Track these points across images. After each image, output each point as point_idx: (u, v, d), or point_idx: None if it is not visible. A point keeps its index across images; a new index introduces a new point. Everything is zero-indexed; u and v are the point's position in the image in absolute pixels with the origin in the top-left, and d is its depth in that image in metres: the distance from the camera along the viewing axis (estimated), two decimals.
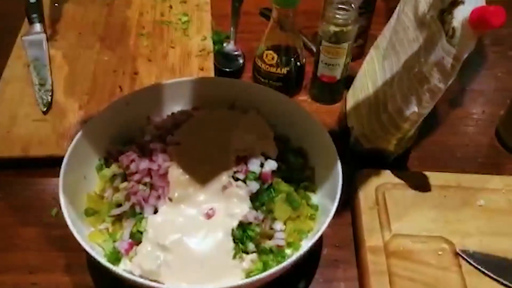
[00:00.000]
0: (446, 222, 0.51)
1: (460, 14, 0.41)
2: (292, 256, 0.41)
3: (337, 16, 0.57)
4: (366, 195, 0.53)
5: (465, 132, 0.64)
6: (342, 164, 0.48)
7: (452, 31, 0.42)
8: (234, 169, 0.45)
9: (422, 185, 0.54)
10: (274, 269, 0.39)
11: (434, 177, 0.54)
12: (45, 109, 0.60)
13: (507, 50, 0.75)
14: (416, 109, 0.48)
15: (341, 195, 0.46)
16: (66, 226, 0.43)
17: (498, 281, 0.46)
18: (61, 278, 0.48)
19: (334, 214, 0.44)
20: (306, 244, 0.42)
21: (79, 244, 0.41)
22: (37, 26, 0.70)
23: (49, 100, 0.61)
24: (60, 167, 0.46)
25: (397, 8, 0.52)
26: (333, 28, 0.58)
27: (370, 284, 0.46)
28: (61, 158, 0.48)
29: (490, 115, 0.66)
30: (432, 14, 0.45)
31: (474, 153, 0.61)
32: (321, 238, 0.44)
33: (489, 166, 0.59)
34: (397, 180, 0.54)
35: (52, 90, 0.63)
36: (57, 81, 0.64)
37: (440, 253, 0.48)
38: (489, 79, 0.71)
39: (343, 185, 0.46)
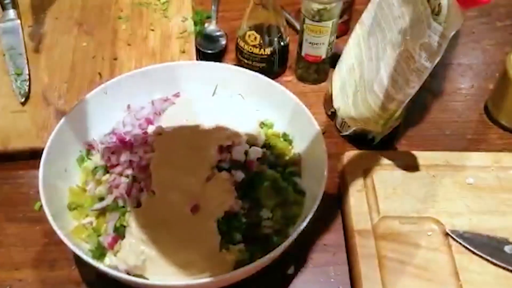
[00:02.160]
0: (435, 202, 0.50)
1: None
2: (280, 245, 0.40)
3: None
4: (353, 178, 0.52)
5: (454, 108, 0.63)
6: (329, 146, 0.47)
7: (438, 8, 0.41)
8: (218, 158, 0.44)
9: (410, 165, 0.53)
10: (261, 260, 0.39)
11: (422, 157, 0.53)
12: (23, 99, 0.58)
13: (495, 21, 0.74)
14: (402, 89, 0.47)
15: (327, 179, 0.45)
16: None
17: (488, 260, 0.46)
18: (48, 274, 0.48)
19: (322, 199, 0.44)
20: (293, 231, 0.41)
21: None
22: (11, 13, 0.68)
23: (27, 90, 0.59)
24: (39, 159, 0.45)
25: None
26: (316, 6, 0.56)
27: (359, 268, 0.45)
28: (42, 150, 0.47)
29: (479, 89, 0.65)
30: None
31: (463, 129, 0.60)
32: (309, 223, 0.43)
33: (479, 142, 0.59)
34: (385, 161, 0.53)
35: (29, 80, 0.61)
36: (34, 70, 0.62)
37: (429, 233, 0.48)
38: (477, 52, 0.70)
39: (330, 168, 0.45)
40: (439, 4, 0.41)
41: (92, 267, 0.40)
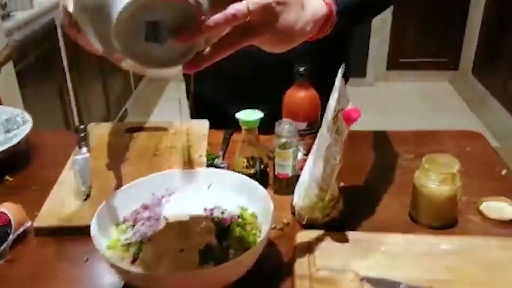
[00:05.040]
0: (357, 261, 0.71)
1: (341, 115, 0.69)
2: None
3: (283, 130, 0.85)
4: (301, 245, 0.74)
5: (384, 207, 0.86)
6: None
7: (339, 126, 0.69)
8: (205, 214, 0.69)
9: (343, 239, 0.75)
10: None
11: (352, 235, 0.76)
12: (84, 197, 0.87)
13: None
14: (327, 181, 0.73)
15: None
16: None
17: None
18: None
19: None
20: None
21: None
22: (84, 149, 1.00)
23: (87, 194, 0.88)
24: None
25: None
26: (281, 140, 0.86)
27: None
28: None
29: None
30: (329, 120, 0.73)
31: (391, 224, 0.83)
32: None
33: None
34: (324, 236, 0.76)
35: (90, 188, 0.90)
36: (94, 184, 0.91)
37: (350, 280, 0.68)
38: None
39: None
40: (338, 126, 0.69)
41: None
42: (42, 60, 2.25)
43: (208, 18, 0.50)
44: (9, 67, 1.63)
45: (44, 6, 2.35)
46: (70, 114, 2.57)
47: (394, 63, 4.06)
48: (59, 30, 2.45)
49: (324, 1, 0.61)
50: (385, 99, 3.77)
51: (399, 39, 3.96)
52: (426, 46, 3.98)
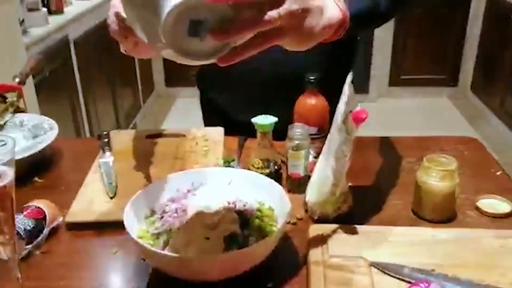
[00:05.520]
0: (367, 249, 0.78)
1: (350, 117, 0.76)
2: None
3: (296, 133, 0.92)
4: (314, 238, 0.81)
5: (390, 204, 0.93)
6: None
7: (348, 126, 0.77)
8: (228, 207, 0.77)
9: (352, 232, 0.82)
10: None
11: (361, 228, 0.83)
12: (111, 195, 0.94)
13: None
14: (334, 178, 0.80)
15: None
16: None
17: (394, 277, 0.72)
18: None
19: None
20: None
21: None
22: (107, 153, 1.08)
23: (114, 192, 0.95)
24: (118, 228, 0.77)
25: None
26: (294, 142, 0.93)
27: (311, 284, 0.72)
28: (121, 221, 0.79)
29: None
30: (339, 121, 0.80)
31: (396, 218, 0.89)
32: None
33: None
34: (336, 229, 0.83)
35: (116, 187, 0.97)
36: (119, 184, 0.98)
37: (359, 265, 0.75)
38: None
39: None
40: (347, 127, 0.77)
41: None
42: (55, 75, 2.34)
43: (244, 20, 0.57)
44: (29, 79, 1.71)
45: (59, 23, 2.45)
46: (81, 127, 2.65)
47: (396, 80, 4.16)
48: (72, 46, 2.55)
49: (340, 9, 0.69)
50: (388, 115, 3.85)
51: (400, 57, 4.07)
52: (426, 63, 4.08)
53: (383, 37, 3.96)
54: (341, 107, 0.79)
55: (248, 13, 0.58)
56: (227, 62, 0.60)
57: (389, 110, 3.95)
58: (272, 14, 0.58)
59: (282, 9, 0.59)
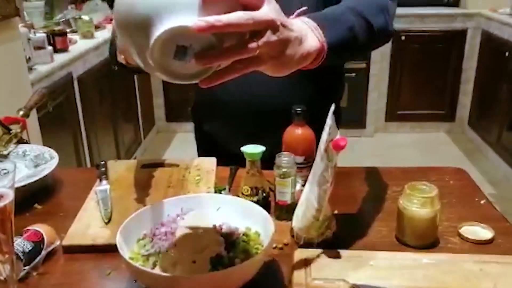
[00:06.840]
0: (348, 273, 0.81)
1: (331, 144, 0.81)
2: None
3: (283, 161, 0.97)
4: (298, 261, 0.84)
5: (374, 230, 0.96)
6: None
7: (330, 154, 0.81)
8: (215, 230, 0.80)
9: (335, 256, 0.85)
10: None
11: (344, 252, 0.86)
12: (106, 221, 0.98)
13: None
14: (320, 202, 0.84)
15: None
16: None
17: None
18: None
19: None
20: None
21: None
22: (104, 182, 1.12)
23: (109, 218, 0.99)
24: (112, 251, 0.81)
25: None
26: (281, 170, 0.97)
27: None
28: (115, 245, 0.82)
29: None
30: (322, 150, 0.85)
31: (379, 244, 0.93)
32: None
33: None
34: (318, 253, 0.86)
35: (111, 213, 1.01)
36: (114, 210, 1.03)
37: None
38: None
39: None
40: (328, 154, 0.81)
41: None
42: (59, 110, 2.41)
43: (226, 49, 0.63)
44: (33, 113, 1.78)
45: (63, 61, 2.54)
46: (83, 161, 2.70)
47: (392, 115, 4.23)
48: (75, 83, 2.63)
49: (318, 39, 0.75)
50: (385, 150, 3.90)
51: (397, 92, 4.15)
52: (422, 98, 4.15)
53: (380, 72, 4.05)
54: (323, 136, 0.84)
55: (230, 42, 0.63)
56: (209, 84, 0.65)
57: (386, 145, 4.00)
58: (251, 46, 0.64)
59: (261, 41, 0.64)
